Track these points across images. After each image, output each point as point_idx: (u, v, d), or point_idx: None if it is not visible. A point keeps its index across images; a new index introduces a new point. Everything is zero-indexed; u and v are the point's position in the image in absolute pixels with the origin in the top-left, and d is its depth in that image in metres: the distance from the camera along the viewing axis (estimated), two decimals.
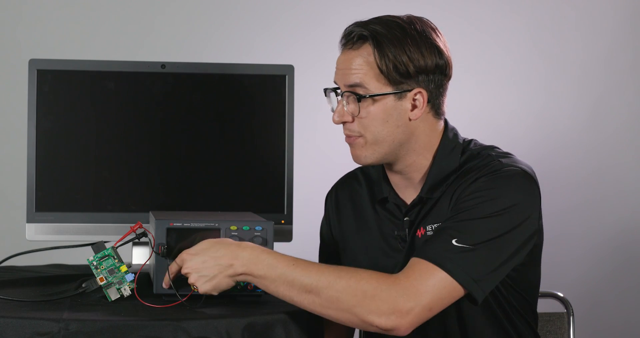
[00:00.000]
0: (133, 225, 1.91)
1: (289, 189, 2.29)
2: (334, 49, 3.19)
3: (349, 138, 1.96)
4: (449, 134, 1.98)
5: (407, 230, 1.97)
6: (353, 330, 2.19)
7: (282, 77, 2.29)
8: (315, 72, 3.18)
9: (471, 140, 2.01)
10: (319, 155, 3.25)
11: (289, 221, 2.29)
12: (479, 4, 3.33)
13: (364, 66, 1.91)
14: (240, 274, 1.81)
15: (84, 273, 2.16)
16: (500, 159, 1.92)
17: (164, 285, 1.88)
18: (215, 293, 1.83)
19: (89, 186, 2.25)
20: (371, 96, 1.90)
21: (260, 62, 2.38)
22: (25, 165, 2.23)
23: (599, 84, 3.33)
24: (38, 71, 2.23)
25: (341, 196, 2.13)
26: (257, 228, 1.92)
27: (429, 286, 1.77)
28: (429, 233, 1.93)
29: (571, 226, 3.32)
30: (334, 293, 1.76)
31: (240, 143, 2.28)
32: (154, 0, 3.24)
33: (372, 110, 1.91)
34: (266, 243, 1.92)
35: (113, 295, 1.89)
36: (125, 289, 1.89)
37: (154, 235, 1.90)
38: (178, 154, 2.27)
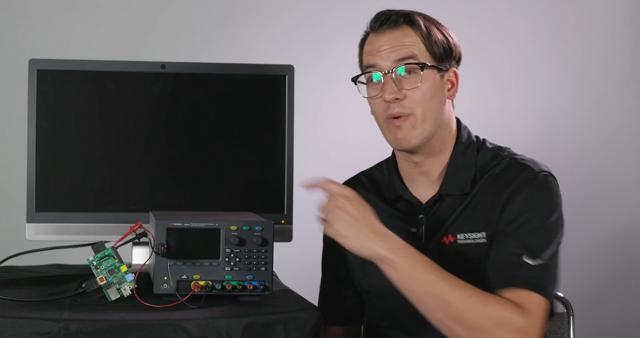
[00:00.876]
0: (133, 225, 1.91)
1: (289, 189, 2.29)
2: (334, 49, 3.18)
3: (398, 120, 1.94)
4: (462, 132, 2.01)
5: (423, 227, 1.97)
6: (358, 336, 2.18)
7: (282, 77, 2.29)
8: (315, 72, 3.19)
9: (484, 139, 2.03)
10: (319, 155, 3.25)
11: (289, 221, 2.29)
12: (479, 4, 3.33)
13: (414, 42, 1.94)
14: (382, 255, 1.78)
15: (84, 273, 2.16)
16: (527, 164, 1.94)
17: (303, 185, 1.84)
18: (345, 246, 1.80)
19: (89, 186, 2.25)
20: (432, 67, 1.93)
21: (260, 62, 2.38)
22: (25, 165, 2.23)
23: (599, 84, 3.33)
24: (38, 71, 2.23)
25: None
26: (257, 228, 1.92)
27: (541, 317, 1.80)
28: (460, 241, 1.93)
29: (571, 226, 3.31)
30: (465, 309, 1.76)
31: (240, 142, 2.28)
32: (154, 1, 3.24)
33: (423, 85, 1.92)
34: (266, 243, 1.92)
35: (113, 295, 1.89)
36: (125, 289, 1.89)
37: (154, 235, 1.90)
38: (178, 154, 2.27)
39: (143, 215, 2.18)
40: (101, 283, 1.89)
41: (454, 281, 1.77)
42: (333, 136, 3.27)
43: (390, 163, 2.06)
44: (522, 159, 1.96)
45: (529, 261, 1.82)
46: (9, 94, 3.16)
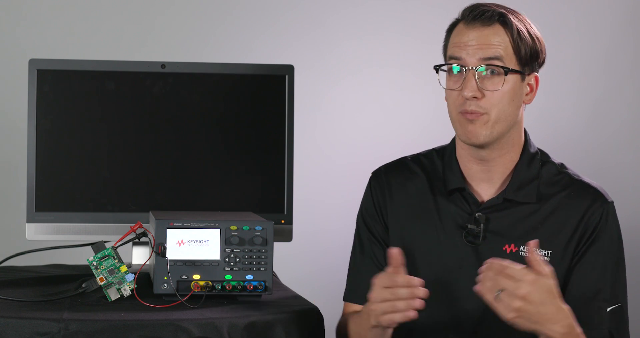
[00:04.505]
0: (133, 225, 1.92)
1: (289, 189, 2.29)
2: (334, 49, 3.18)
3: (472, 114, 1.93)
4: (530, 140, 2.03)
5: (481, 225, 1.96)
6: None
7: (282, 77, 2.29)
8: (315, 72, 3.19)
9: (543, 151, 2.05)
10: (319, 155, 3.25)
11: (289, 221, 2.29)
12: None
13: (502, 42, 1.94)
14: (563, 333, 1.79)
15: (84, 273, 2.17)
16: (598, 190, 2.00)
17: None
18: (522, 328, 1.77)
19: (89, 186, 2.25)
20: (515, 71, 1.94)
21: (260, 62, 2.38)
22: (25, 165, 2.23)
23: (599, 84, 3.33)
24: (38, 71, 2.23)
25: (393, 180, 2.07)
26: (257, 228, 1.93)
27: None
28: (522, 253, 1.94)
29: None
30: None
31: (240, 142, 2.28)
32: (154, 1, 3.24)
33: (504, 87, 1.93)
34: (266, 243, 1.92)
35: (113, 295, 1.89)
36: (125, 289, 1.89)
37: (154, 235, 1.90)
38: (178, 154, 2.27)
39: (143, 214, 2.18)
40: (101, 283, 1.89)
41: None
42: (333, 136, 3.27)
43: (446, 154, 2.05)
44: (589, 187, 2.00)
45: (618, 310, 1.94)
46: (9, 94, 3.16)
